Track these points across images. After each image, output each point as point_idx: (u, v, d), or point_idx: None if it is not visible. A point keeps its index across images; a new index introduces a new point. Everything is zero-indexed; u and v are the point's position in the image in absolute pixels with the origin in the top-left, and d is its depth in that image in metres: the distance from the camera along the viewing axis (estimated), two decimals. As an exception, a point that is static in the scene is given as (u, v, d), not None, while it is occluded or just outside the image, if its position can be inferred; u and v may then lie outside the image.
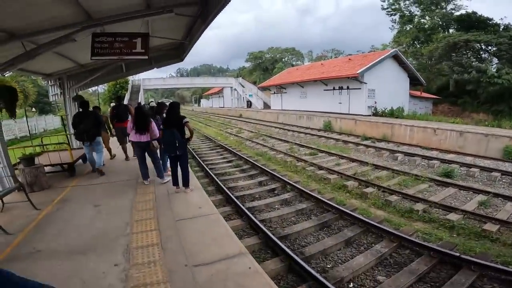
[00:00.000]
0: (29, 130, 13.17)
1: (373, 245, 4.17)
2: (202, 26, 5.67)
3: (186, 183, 4.88)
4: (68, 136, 9.35)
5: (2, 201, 4.20)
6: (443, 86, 26.27)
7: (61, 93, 9.49)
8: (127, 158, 7.59)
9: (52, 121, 24.38)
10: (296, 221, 5.13)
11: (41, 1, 3.76)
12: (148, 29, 6.17)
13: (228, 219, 5.11)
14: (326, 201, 5.61)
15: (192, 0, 4.97)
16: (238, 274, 2.33)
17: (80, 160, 7.06)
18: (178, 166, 4.89)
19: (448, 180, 7.13)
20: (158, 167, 5.37)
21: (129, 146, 7.38)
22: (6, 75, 7.43)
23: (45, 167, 5.47)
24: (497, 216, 5.05)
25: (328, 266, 3.73)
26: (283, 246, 3.87)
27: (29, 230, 3.54)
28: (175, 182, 4.92)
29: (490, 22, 24.20)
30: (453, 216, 5.06)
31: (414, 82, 21.09)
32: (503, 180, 7.28)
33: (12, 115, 5.98)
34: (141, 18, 4.94)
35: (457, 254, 3.63)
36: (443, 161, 8.96)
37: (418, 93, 22.58)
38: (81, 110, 6.03)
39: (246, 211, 5.16)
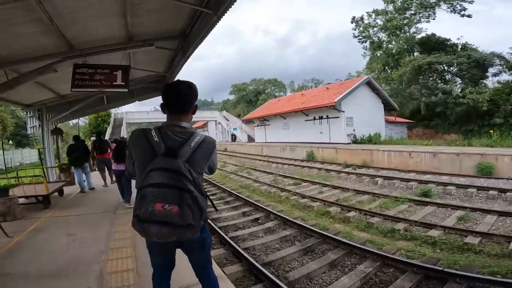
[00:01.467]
0: (4, 163, 12.68)
1: (357, 265, 4.12)
2: (182, 59, 5.95)
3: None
4: (44, 169, 9.01)
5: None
6: (415, 110, 27.49)
7: (39, 125, 9.30)
8: (105, 185, 8.22)
9: (29, 155, 23.50)
10: (280, 248, 5.03)
11: (26, 31, 3.89)
12: (129, 62, 6.37)
13: (214, 248, 4.95)
14: (309, 227, 5.59)
15: (172, 34, 5.27)
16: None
17: (56, 193, 6.88)
18: None
19: (427, 199, 7.33)
20: (127, 192, 5.76)
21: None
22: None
23: (19, 199, 5.52)
24: (478, 229, 5.19)
25: (313, 289, 3.62)
26: (266, 272, 3.75)
27: (-1, 256, 3.42)
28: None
29: (449, 43, 25.95)
30: (434, 233, 5.15)
31: (388, 108, 22.18)
32: (480, 195, 7.56)
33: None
34: (123, 50, 5.14)
35: (440, 268, 3.65)
36: (420, 182, 9.23)
37: (392, 118, 23.65)
38: (73, 142, 7.48)
39: (229, 240, 5.04)
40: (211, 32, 4.20)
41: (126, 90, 5.72)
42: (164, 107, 1.57)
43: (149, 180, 1.35)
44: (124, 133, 28.72)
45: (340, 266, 4.23)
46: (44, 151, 9.41)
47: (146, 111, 38.43)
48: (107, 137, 22.57)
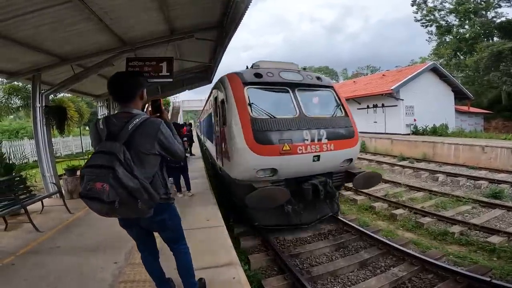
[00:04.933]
0: (82, 147, 15.08)
1: (391, 268, 3.80)
2: (221, 49, 6.08)
3: (189, 187, 5.79)
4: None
5: (42, 204, 4.84)
6: (495, 100, 23.74)
7: (107, 113, 10.61)
8: None
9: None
10: (311, 241, 4.88)
11: (84, 29, 4.41)
12: (176, 54, 6.78)
13: (245, 235, 5.09)
14: (345, 221, 5.31)
15: (210, 25, 5.41)
16: (221, 281, 2.40)
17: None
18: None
19: (496, 202, 6.39)
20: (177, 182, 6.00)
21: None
22: (64, 96, 8.53)
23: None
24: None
25: None
26: (288, 263, 3.72)
27: (57, 230, 4.04)
28: (178, 189, 5.78)
29: (535, 29, 21.77)
30: (494, 239, 4.51)
31: (459, 96, 19.32)
32: None
33: (61, 131, 6.77)
34: (166, 43, 5.50)
35: (488, 279, 3.15)
36: (492, 181, 8.04)
37: (465, 108, 20.58)
38: None
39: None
40: (242, 21, 4.19)
41: (171, 79, 6.06)
42: (112, 98, 1.69)
43: (89, 162, 1.52)
44: (181, 120, 31.02)
45: (371, 266, 3.95)
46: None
47: (200, 99, 40.34)
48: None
